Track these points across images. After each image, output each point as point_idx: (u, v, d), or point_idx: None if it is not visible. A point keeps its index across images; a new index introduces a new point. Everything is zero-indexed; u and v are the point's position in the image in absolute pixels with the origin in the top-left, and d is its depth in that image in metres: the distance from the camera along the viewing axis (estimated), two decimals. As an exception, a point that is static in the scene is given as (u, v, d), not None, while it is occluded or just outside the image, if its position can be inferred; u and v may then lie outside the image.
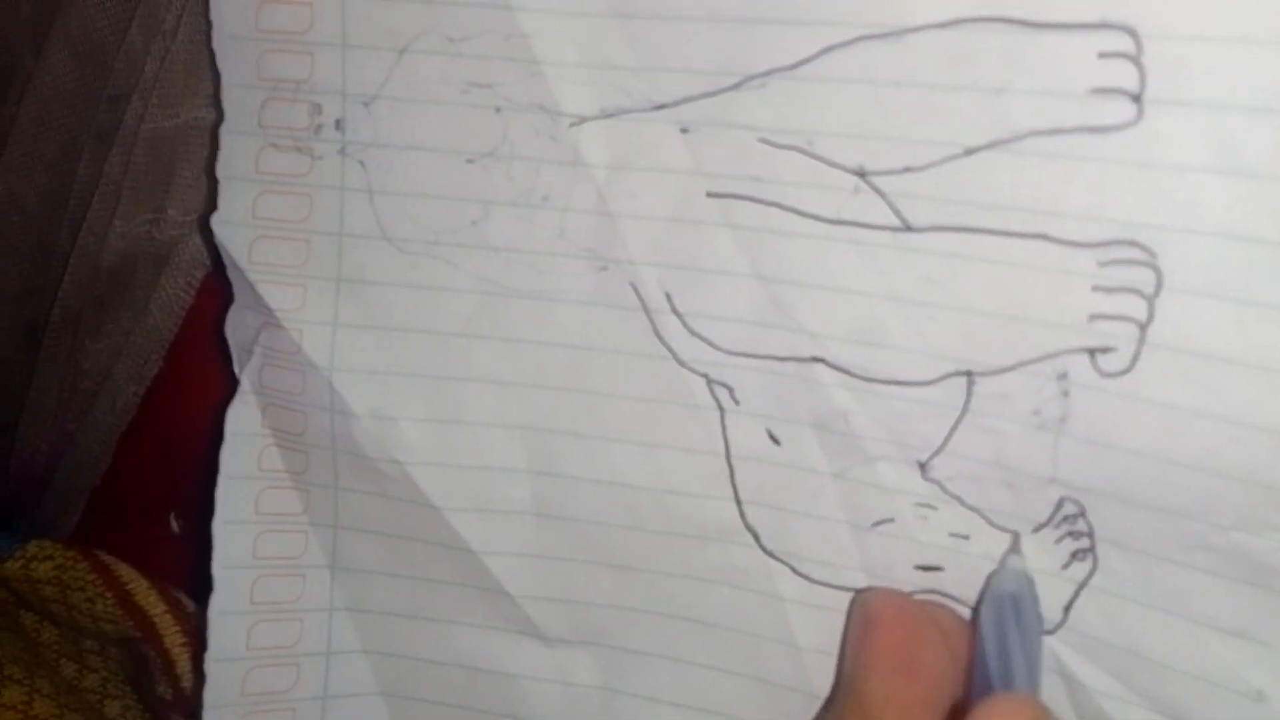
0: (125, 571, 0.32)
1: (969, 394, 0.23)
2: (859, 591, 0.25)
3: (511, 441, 0.27)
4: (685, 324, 0.25)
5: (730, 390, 0.25)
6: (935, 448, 0.24)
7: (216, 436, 0.28)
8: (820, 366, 0.24)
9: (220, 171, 0.27)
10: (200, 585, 0.28)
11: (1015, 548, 0.24)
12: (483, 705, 0.29)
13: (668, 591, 0.27)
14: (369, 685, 0.29)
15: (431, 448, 0.27)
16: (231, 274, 0.28)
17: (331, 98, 0.26)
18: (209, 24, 0.27)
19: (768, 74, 0.23)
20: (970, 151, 0.22)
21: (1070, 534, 0.23)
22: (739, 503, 0.26)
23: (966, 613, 0.24)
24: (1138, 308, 0.21)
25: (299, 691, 0.29)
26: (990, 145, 0.22)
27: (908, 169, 0.22)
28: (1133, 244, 0.21)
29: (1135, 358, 0.21)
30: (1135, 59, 0.20)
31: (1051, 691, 0.24)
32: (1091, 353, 0.22)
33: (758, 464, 0.25)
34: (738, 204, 0.24)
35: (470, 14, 0.25)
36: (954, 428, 0.23)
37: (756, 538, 0.26)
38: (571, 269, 0.26)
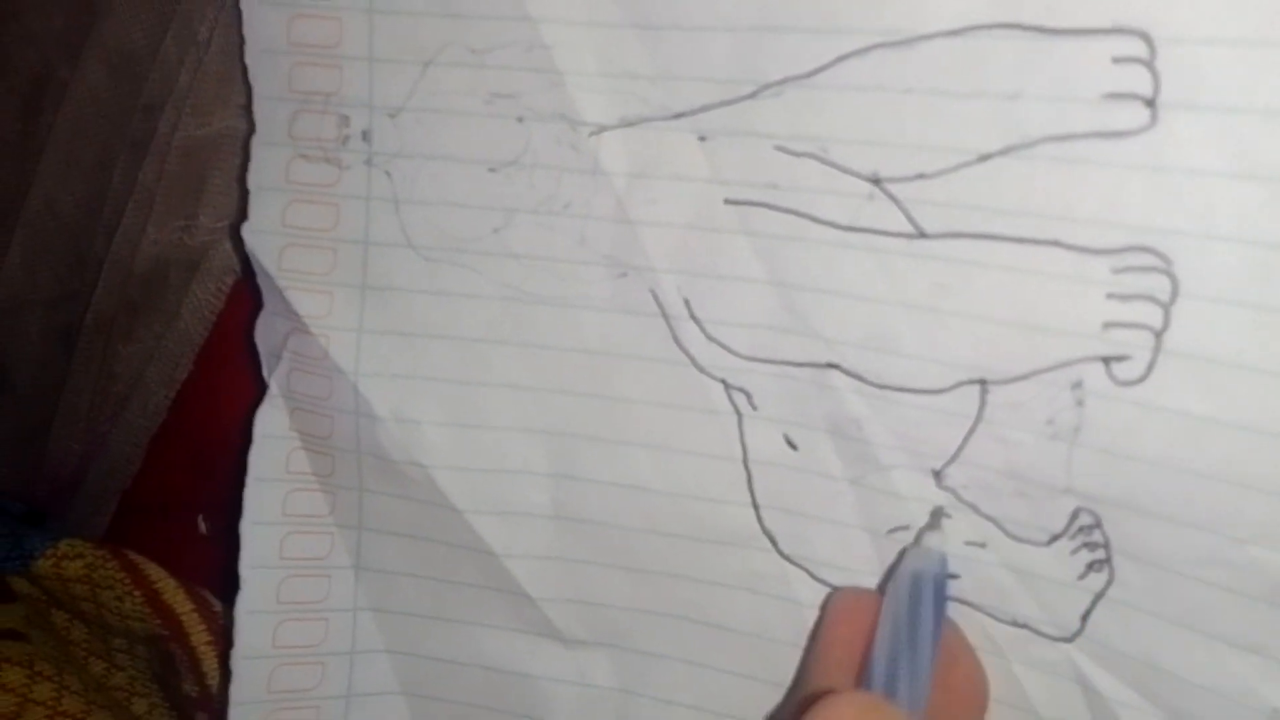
0: (153, 570, 0.32)
1: (982, 402, 0.23)
2: (830, 590, 0.25)
3: (532, 445, 0.27)
4: (703, 329, 0.25)
5: (748, 395, 0.25)
6: (949, 456, 0.23)
7: (245, 439, 0.29)
8: (835, 373, 0.24)
9: (251, 181, 0.28)
10: (228, 585, 0.29)
11: (934, 524, 0.23)
12: (502, 705, 0.29)
13: (685, 595, 0.27)
14: (391, 684, 0.30)
15: (453, 451, 0.28)
16: (261, 281, 0.29)
17: (359, 110, 0.27)
18: (241, 39, 0.27)
19: (783, 82, 0.23)
20: (984, 158, 0.22)
21: (1086, 545, 0.23)
22: (756, 507, 0.26)
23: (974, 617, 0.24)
24: (1153, 315, 0.21)
25: (323, 690, 0.29)
26: (1004, 151, 0.22)
27: (922, 175, 0.22)
28: (1147, 250, 0.21)
29: (1151, 366, 0.21)
30: (1149, 64, 0.20)
31: (1069, 700, 0.24)
32: (1106, 361, 0.21)
33: (775, 469, 0.25)
34: (755, 211, 0.24)
35: (493, 26, 0.25)
36: (967, 437, 0.23)
37: (774, 542, 0.26)
38: (591, 275, 0.26)
